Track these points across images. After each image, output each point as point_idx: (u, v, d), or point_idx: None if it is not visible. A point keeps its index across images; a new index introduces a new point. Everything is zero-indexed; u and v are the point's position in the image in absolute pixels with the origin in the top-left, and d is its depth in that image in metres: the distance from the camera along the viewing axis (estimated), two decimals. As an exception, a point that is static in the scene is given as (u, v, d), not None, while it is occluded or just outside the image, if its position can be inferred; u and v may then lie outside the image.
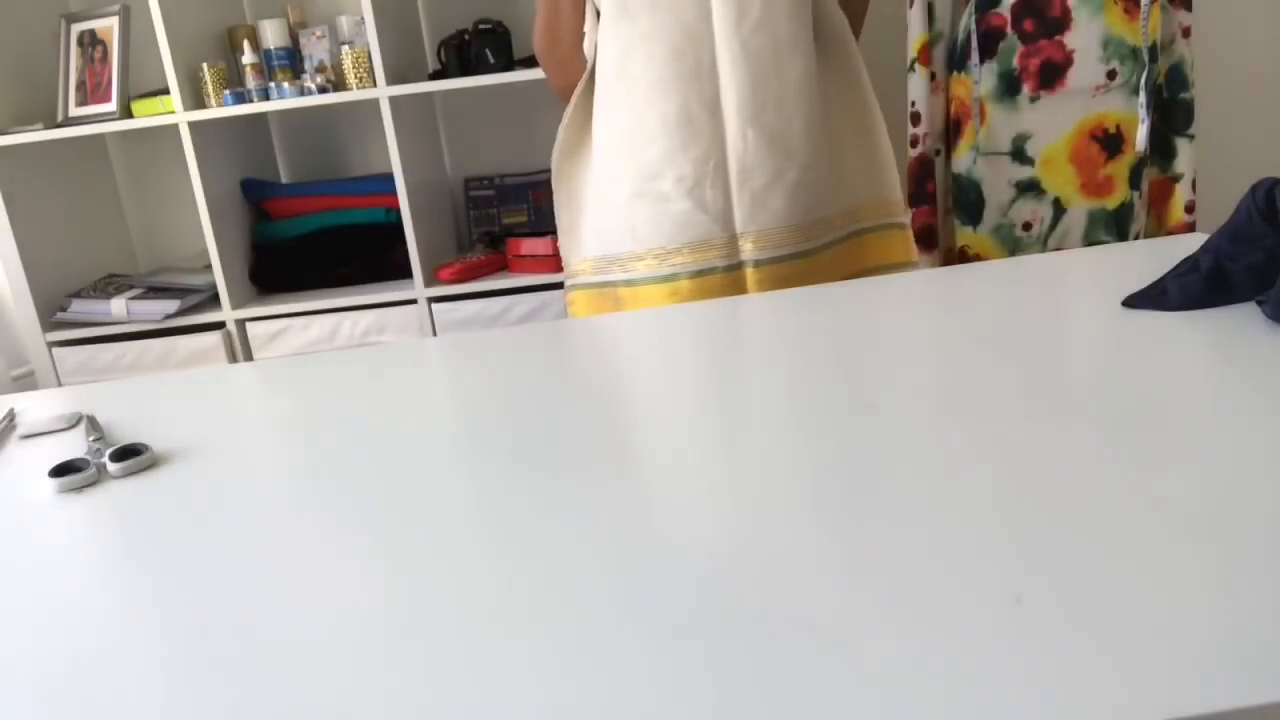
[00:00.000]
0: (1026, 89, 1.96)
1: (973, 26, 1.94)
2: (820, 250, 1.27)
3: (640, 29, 1.20)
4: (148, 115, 2.18)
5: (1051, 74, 1.94)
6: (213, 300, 2.27)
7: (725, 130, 1.21)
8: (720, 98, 1.20)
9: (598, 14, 1.26)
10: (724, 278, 1.25)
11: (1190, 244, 0.96)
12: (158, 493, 0.73)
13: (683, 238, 1.24)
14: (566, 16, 1.30)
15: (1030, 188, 2.01)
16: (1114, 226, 2.02)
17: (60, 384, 2.26)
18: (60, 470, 0.77)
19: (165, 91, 2.15)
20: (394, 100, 2.12)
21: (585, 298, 1.34)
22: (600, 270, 1.32)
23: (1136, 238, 2.04)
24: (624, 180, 1.25)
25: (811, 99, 1.23)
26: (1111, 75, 1.94)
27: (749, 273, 1.25)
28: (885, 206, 1.34)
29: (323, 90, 2.16)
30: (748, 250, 1.24)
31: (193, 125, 2.15)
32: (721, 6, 1.18)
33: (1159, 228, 2.08)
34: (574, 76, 1.31)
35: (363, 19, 2.08)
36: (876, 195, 1.33)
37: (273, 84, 2.17)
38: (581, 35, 1.30)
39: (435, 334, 2.22)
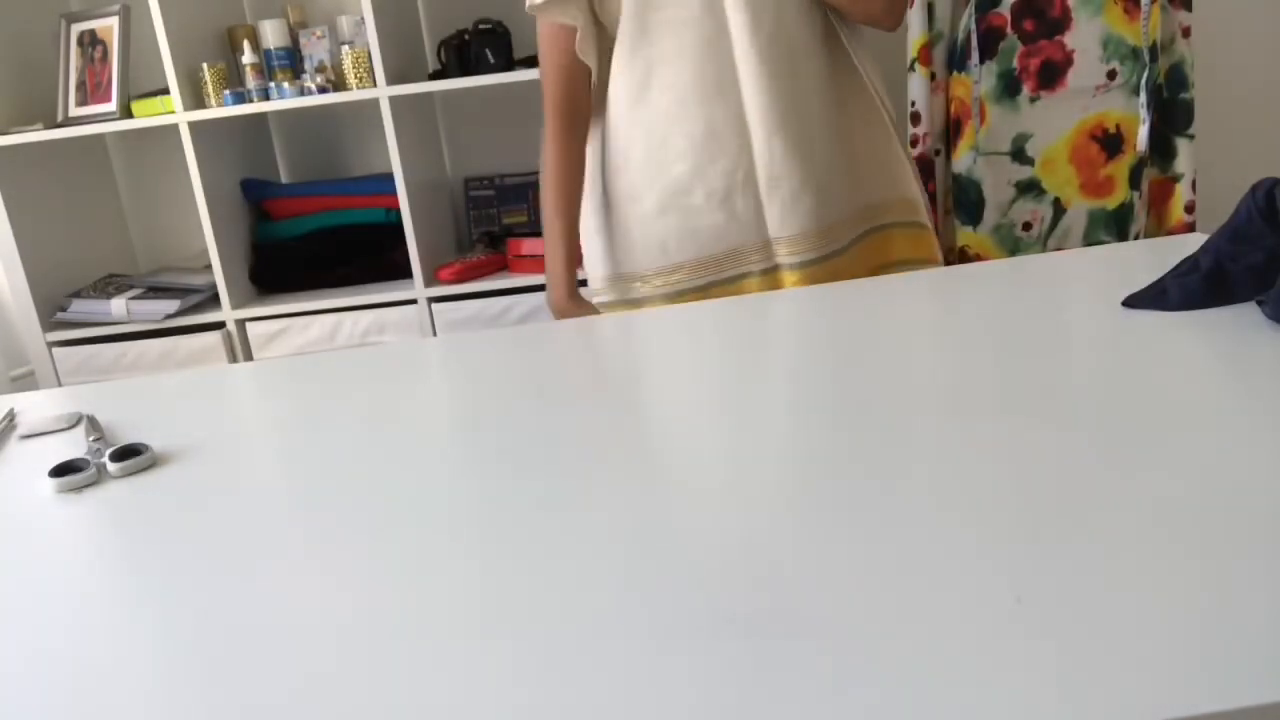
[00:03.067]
0: (1026, 89, 1.96)
1: (973, 26, 1.94)
2: (847, 248, 1.28)
3: (660, 51, 1.21)
4: (148, 115, 2.18)
5: (1051, 74, 1.94)
6: (213, 300, 2.27)
7: (752, 141, 1.22)
8: (744, 110, 1.21)
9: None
10: (760, 281, 1.28)
11: (1190, 244, 0.96)
12: (158, 493, 0.73)
13: (718, 248, 1.26)
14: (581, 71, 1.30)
15: (1030, 188, 2.01)
16: (1114, 226, 2.02)
17: (60, 384, 2.26)
18: (60, 470, 0.77)
19: (165, 91, 2.15)
20: (394, 100, 2.12)
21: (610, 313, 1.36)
22: (619, 289, 1.33)
23: (1136, 238, 2.04)
24: (649, 198, 1.26)
25: (826, 101, 1.24)
26: (1111, 75, 1.94)
27: (785, 275, 1.27)
28: (907, 204, 1.33)
29: (323, 90, 2.16)
30: (782, 254, 1.26)
31: (193, 125, 2.15)
32: (738, 19, 1.19)
33: (1159, 228, 2.08)
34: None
35: (363, 19, 2.08)
36: (895, 192, 1.32)
37: (273, 84, 2.17)
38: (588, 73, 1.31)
39: (435, 334, 2.22)
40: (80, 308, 2.25)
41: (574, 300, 1.37)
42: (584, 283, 1.40)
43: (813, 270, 1.25)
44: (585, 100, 1.31)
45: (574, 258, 1.36)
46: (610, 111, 1.28)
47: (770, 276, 1.27)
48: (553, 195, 1.34)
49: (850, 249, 1.29)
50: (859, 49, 1.26)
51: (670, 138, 1.23)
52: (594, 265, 1.37)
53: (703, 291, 1.28)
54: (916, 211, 1.34)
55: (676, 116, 1.22)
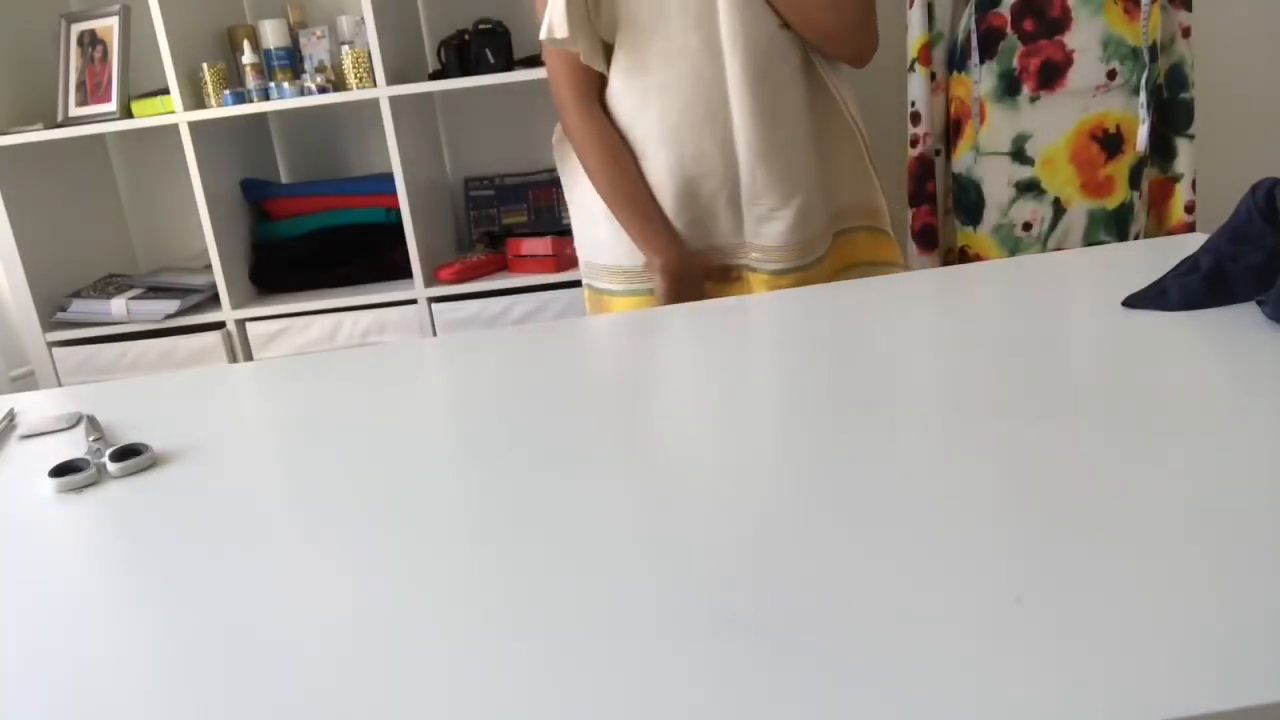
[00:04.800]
0: (1026, 89, 1.96)
1: (973, 26, 1.94)
2: (819, 260, 1.32)
3: (654, 80, 1.23)
4: (148, 115, 2.18)
5: (1051, 74, 1.94)
6: (213, 300, 2.27)
7: (738, 166, 1.25)
8: (734, 138, 1.24)
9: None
10: (732, 278, 1.30)
11: (1190, 244, 0.96)
12: (158, 493, 0.73)
13: (695, 246, 1.29)
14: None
15: (1030, 188, 2.01)
16: (1114, 226, 2.01)
17: (60, 384, 2.26)
18: (60, 470, 0.76)
19: (165, 91, 2.15)
20: (394, 100, 2.12)
21: (598, 301, 1.37)
22: (604, 276, 1.34)
23: (1136, 238, 2.04)
24: None
25: (807, 130, 1.27)
26: (1111, 75, 1.94)
27: (755, 277, 1.30)
28: (872, 211, 1.37)
29: (323, 90, 2.16)
30: (755, 258, 1.29)
31: (193, 125, 2.15)
32: (733, 59, 1.21)
33: (1159, 228, 2.08)
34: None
35: (363, 19, 2.08)
36: (862, 201, 1.36)
37: (273, 84, 2.17)
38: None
39: (435, 334, 2.22)
40: (80, 308, 2.25)
41: (684, 253, 1.26)
42: (578, 284, 1.39)
43: (785, 278, 1.28)
44: (597, 78, 1.29)
45: (659, 215, 1.26)
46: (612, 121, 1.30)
47: (743, 276, 1.30)
48: (605, 168, 1.27)
49: (822, 261, 1.32)
50: (834, 76, 1.29)
51: (662, 160, 1.26)
52: (582, 244, 1.38)
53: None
54: (880, 218, 1.37)
55: (668, 142, 1.25)
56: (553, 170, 2.44)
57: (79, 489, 0.75)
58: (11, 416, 0.95)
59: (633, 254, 1.30)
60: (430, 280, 2.23)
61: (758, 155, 1.24)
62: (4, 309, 2.30)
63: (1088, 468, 0.59)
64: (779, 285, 1.27)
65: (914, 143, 2.04)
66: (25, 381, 2.31)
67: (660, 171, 1.26)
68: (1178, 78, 1.98)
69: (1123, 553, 0.50)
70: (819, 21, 1.22)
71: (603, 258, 1.34)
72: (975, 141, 1.99)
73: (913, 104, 2.02)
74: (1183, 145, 2.00)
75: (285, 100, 2.16)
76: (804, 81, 1.26)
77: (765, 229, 1.27)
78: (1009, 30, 1.94)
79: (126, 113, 2.20)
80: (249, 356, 2.28)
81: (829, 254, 1.33)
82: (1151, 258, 1.00)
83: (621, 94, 1.27)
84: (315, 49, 2.22)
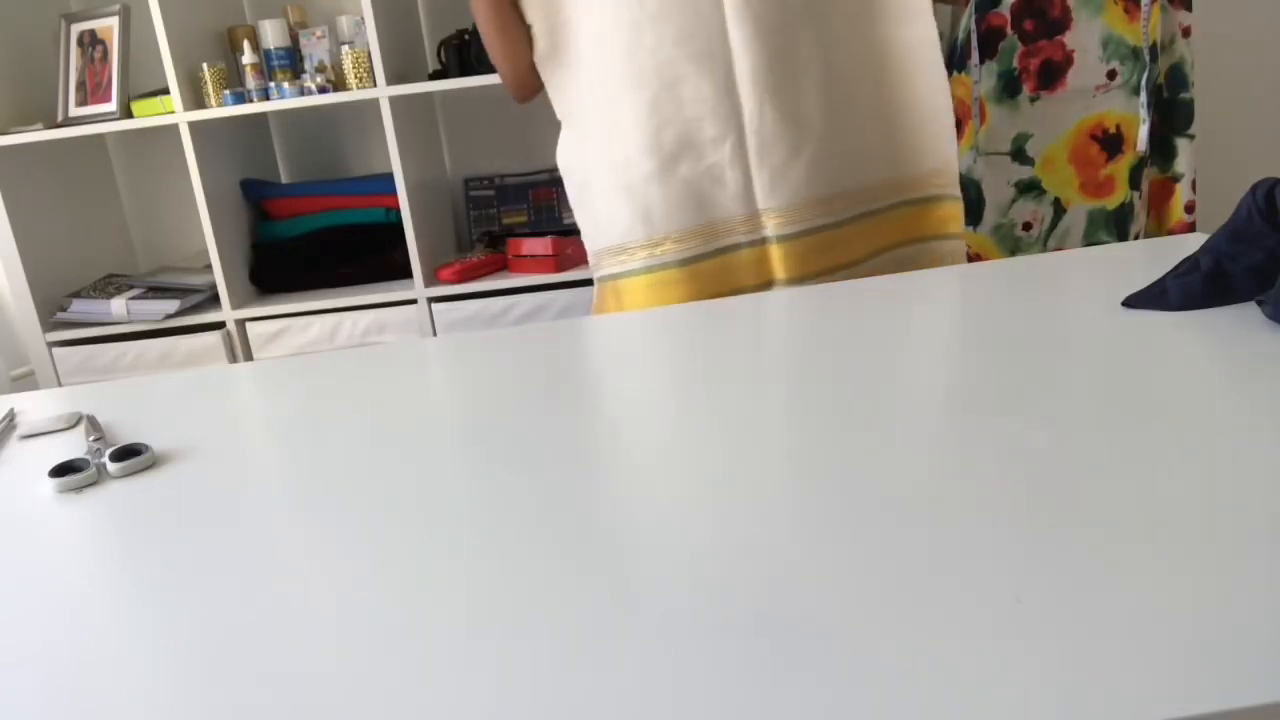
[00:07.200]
0: (1026, 89, 1.96)
1: (973, 26, 1.94)
2: (846, 223, 1.24)
3: (648, 11, 1.17)
4: (148, 115, 2.18)
5: (1051, 74, 1.94)
6: (213, 300, 2.27)
7: (742, 107, 1.18)
8: (735, 74, 1.17)
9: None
10: (747, 254, 1.23)
11: (1190, 244, 0.96)
12: (158, 493, 0.73)
13: (703, 218, 1.22)
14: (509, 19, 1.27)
15: (1030, 188, 2.01)
16: (1114, 226, 2.02)
17: (60, 384, 2.26)
18: (60, 470, 0.76)
19: (165, 91, 2.15)
20: (394, 100, 2.13)
21: (613, 290, 1.31)
22: (609, 261, 1.29)
23: (1136, 238, 2.04)
24: (638, 165, 1.22)
25: (827, 69, 1.20)
26: (1111, 75, 1.94)
27: (772, 249, 1.23)
28: (931, 178, 1.28)
29: (323, 90, 2.16)
30: (770, 227, 1.22)
31: (193, 125, 2.15)
32: None
33: (1159, 228, 2.08)
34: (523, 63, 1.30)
35: (363, 19, 2.09)
36: (917, 169, 1.27)
37: (273, 84, 2.18)
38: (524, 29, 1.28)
39: (435, 334, 2.22)
40: (80, 308, 2.25)
41: None
42: (578, 284, 1.37)
43: (801, 244, 1.21)
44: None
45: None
46: (604, 69, 1.24)
47: (759, 250, 1.23)
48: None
49: (851, 224, 1.24)
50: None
51: (660, 101, 1.19)
52: (588, 238, 1.33)
53: (689, 265, 1.23)
54: (945, 183, 1.28)
55: (665, 80, 1.18)
56: (553, 170, 2.44)
57: (79, 489, 0.75)
58: (11, 416, 0.95)
59: (632, 228, 1.23)
60: (430, 280, 2.23)
61: (764, 91, 1.16)
62: (4, 309, 2.30)
63: (1088, 468, 0.59)
64: (801, 253, 1.20)
65: (914, 143, 2.04)
66: (25, 381, 2.32)
67: (655, 116, 1.19)
68: (1178, 78, 1.98)
69: (1123, 552, 0.50)
70: None
71: (601, 240, 1.30)
72: (975, 141, 1.99)
73: (913, 104, 2.02)
74: (1183, 145, 2.00)
75: (285, 100, 2.16)
76: (838, 13, 1.18)
77: (779, 186, 1.19)
78: (1009, 30, 1.94)
79: (126, 113, 2.21)
80: (249, 356, 2.28)
81: (864, 228, 1.24)
82: (1151, 258, 1.00)
83: (613, 30, 1.20)
84: (315, 49, 2.22)
